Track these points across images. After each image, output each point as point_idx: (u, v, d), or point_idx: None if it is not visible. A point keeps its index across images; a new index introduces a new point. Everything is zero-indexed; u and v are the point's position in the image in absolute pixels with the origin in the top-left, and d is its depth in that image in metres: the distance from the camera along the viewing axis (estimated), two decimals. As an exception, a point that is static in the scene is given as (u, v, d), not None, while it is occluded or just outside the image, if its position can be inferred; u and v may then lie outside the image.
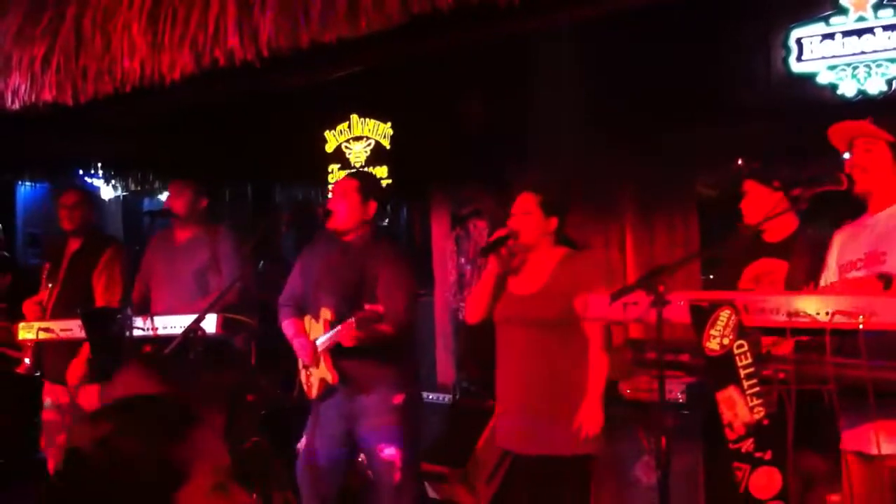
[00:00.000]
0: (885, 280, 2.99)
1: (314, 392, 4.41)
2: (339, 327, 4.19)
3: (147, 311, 5.06)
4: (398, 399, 4.36)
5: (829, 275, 3.41)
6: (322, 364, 4.35)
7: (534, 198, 4.16)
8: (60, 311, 5.29)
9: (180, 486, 1.56)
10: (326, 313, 4.34)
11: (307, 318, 4.49)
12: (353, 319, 4.09)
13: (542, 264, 4.16)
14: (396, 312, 4.24)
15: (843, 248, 3.38)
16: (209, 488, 1.57)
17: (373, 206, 4.48)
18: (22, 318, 5.30)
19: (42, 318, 5.27)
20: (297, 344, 4.47)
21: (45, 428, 5.50)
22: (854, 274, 3.24)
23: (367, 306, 4.06)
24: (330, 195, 4.60)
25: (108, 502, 1.54)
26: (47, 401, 5.46)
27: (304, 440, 4.54)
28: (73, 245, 5.56)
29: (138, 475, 1.54)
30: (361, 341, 4.15)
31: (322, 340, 4.33)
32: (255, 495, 4.74)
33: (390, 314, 4.20)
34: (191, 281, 5.06)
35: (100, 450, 1.56)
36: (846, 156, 3.45)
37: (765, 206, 4.09)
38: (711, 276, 6.52)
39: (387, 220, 7.44)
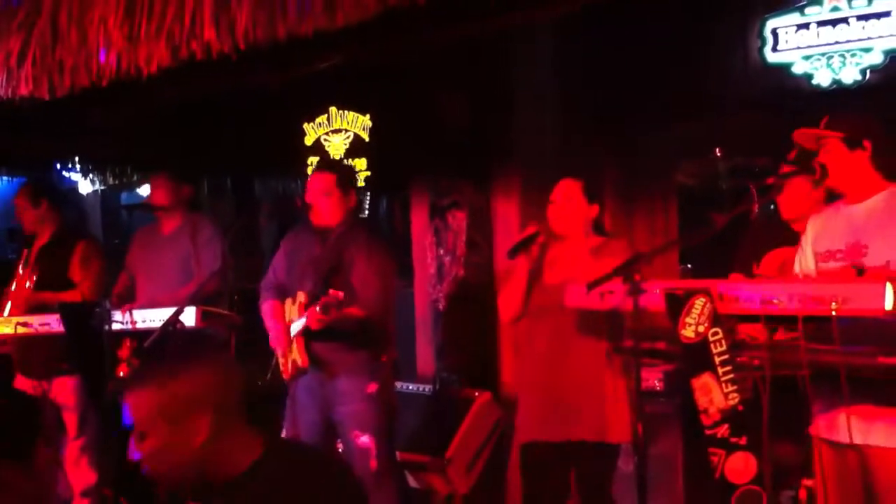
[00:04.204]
0: (858, 271, 3.03)
1: (288, 373, 4.45)
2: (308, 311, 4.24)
3: (131, 300, 5.06)
4: (372, 388, 4.39)
5: (806, 260, 3.43)
6: (294, 346, 4.39)
7: (576, 184, 4.13)
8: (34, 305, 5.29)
9: None
10: (301, 296, 4.38)
11: (287, 302, 4.52)
12: (317, 303, 4.12)
13: (576, 252, 4.11)
14: (368, 298, 4.28)
15: (819, 235, 3.39)
16: None
17: (353, 196, 4.53)
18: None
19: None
20: (271, 327, 4.52)
21: None
22: (832, 264, 3.26)
23: (330, 291, 4.09)
24: (307, 190, 4.59)
25: None
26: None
27: (285, 430, 4.56)
28: (40, 240, 5.55)
29: None
30: (328, 324, 4.17)
31: (296, 324, 4.38)
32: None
33: (363, 300, 4.24)
34: (177, 270, 5.08)
35: None
36: None
37: (804, 199, 4.08)
38: (689, 266, 6.59)
39: (367, 212, 7.45)
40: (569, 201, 4.12)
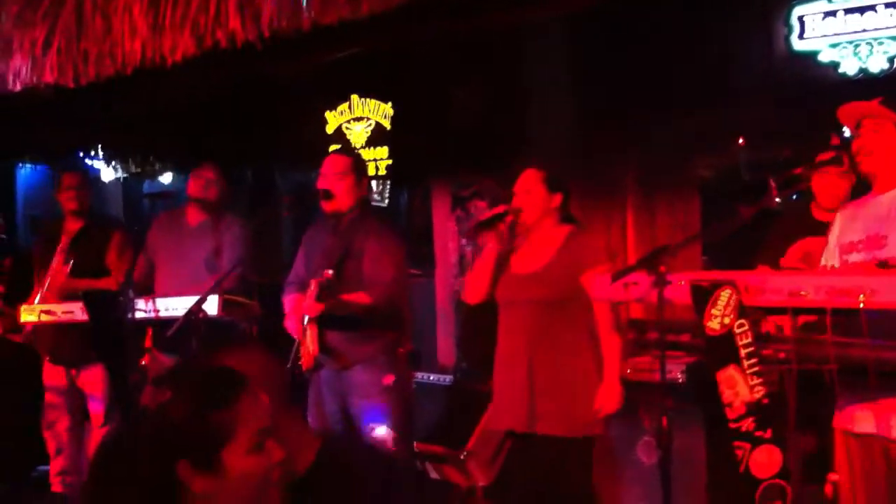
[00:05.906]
0: (881, 263, 2.99)
1: (306, 364, 4.46)
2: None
3: (150, 287, 5.07)
4: (388, 380, 4.40)
5: (830, 254, 3.41)
6: (308, 335, 4.39)
7: (537, 174, 4.13)
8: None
9: (224, 446, 1.75)
10: (313, 285, 4.38)
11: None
12: (313, 289, 4.13)
13: (545, 242, 4.12)
14: (382, 283, 4.29)
15: (844, 228, 3.37)
16: (249, 448, 1.73)
17: (366, 182, 4.55)
18: (23, 301, 5.31)
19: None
20: (288, 316, 4.54)
21: (45, 410, 5.51)
22: (854, 256, 3.24)
23: (323, 272, 4.09)
24: (322, 176, 4.59)
25: (160, 460, 1.71)
26: (48, 383, 5.47)
27: (309, 420, 4.57)
28: (73, 226, 5.53)
29: (187, 436, 1.74)
30: (330, 310, 4.18)
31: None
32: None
33: (376, 285, 4.24)
34: (200, 264, 5.07)
35: (158, 413, 1.77)
36: (846, 133, 3.44)
37: (839, 189, 4.06)
38: (707, 258, 6.54)
39: (387, 201, 7.45)
40: (529, 192, 4.11)
